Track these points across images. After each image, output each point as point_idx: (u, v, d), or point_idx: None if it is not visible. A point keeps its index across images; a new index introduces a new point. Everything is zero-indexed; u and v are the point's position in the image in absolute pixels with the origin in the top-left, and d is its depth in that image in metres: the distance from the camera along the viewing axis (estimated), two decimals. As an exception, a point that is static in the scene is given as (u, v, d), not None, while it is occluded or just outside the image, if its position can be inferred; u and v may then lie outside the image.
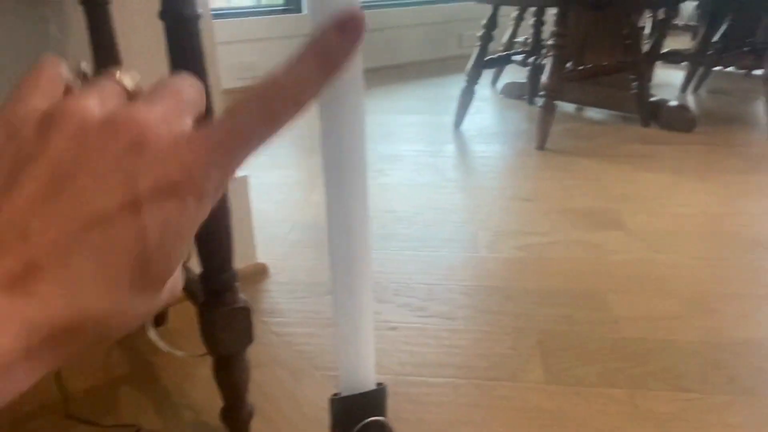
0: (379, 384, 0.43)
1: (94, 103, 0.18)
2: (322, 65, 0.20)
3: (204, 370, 0.92)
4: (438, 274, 1.22)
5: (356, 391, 0.42)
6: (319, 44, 0.20)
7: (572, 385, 0.89)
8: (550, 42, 1.96)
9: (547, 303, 1.10)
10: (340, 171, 0.37)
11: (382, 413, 0.43)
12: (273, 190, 1.69)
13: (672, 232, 1.38)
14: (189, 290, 0.77)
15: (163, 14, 0.58)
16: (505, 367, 0.93)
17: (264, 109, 0.20)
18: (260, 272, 1.23)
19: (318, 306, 1.11)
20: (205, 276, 0.70)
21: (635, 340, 0.99)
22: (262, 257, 1.26)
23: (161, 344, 0.77)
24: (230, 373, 0.73)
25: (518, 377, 0.91)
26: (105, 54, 0.85)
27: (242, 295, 0.72)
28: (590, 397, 0.86)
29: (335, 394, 0.42)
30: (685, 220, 1.44)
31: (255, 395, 0.86)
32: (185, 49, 0.58)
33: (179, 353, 0.78)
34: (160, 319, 1.04)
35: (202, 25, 0.61)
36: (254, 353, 0.97)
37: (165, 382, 0.90)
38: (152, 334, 0.75)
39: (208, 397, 0.87)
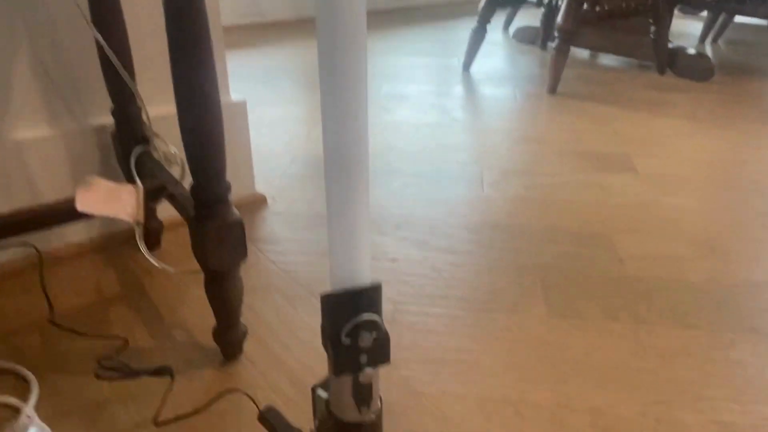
0: (373, 282, 0.40)
1: None
2: None
3: (197, 290, 0.90)
4: (440, 210, 1.18)
5: (349, 288, 0.39)
6: None
7: (574, 319, 0.86)
8: (567, -20, 1.87)
9: (551, 241, 1.08)
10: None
11: (376, 311, 0.40)
12: (275, 125, 1.64)
13: (684, 178, 1.34)
14: (180, 206, 0.74)
15: None
16: (506, 301, 0.91)
17: None
18: (258, 202, 1.20)
19: (316, 236, 1.09)
20: (196, 188, 0.67)
21: (640, 279, 0.96)
22: (261, 189, 1.23)
23: (153, 259, 0.74)
24: (223, 289, 0.71)
25: (519, 310, 0.88)
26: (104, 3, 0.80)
27: (235, 210, 0.69)
28: (592, 331, 0.84)
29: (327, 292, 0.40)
30: (698, 166, 1.40)
31: (250, 319, 0.84)
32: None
33: (171, 269, 0.75)
34: (153, 244, 1.02)
35: None
36: (249, 278, 0.95)
37: (157, 303, 0.89)
38: (143, 248, 0.73)
39: (200, 318, 0.85)
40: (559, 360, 0.79)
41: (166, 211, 1.00)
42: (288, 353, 0.79)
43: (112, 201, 0.73)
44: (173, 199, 0.77)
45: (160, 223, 1.02)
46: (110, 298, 0.90)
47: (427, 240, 1.08)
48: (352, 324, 0.39)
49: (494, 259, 1.02)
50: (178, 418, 0.66)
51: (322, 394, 0.46)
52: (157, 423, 0.63)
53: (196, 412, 0.67)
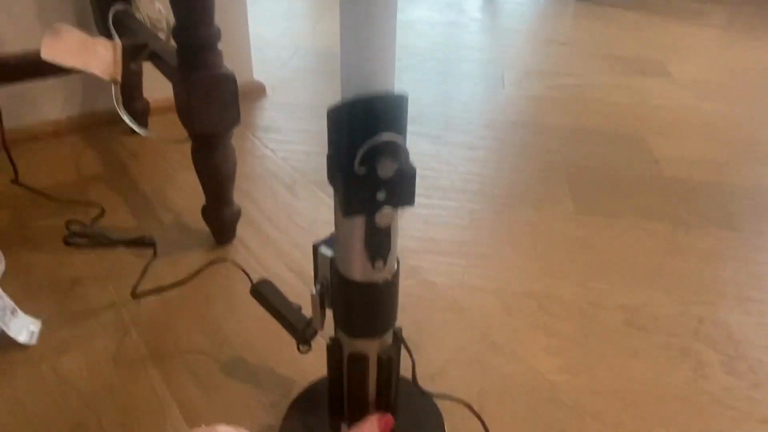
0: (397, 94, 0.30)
1: None
2: None
3: (187, 175, 0.81)
4: (456, 107, 1.08)
5: (365, 96, 0.29)
6: None
7: (604, 217, 0.78)
8: None
9: (580, 140, 0.97)
10: None
11: (399, 129, 0.31)
12: (278, 18, 1.51)
13: (721, 84, 1.22)
14: (163, 63, 0.64)
15: None
16: (530, 197, 0.82)
17: None
18: (257, 90, 1.09)
19: (318, 126, 0.99)
20: (178, 31, 0.56)
21: (678, 180, 0.87)
22: (261, 79, 1.11)
23: (134, 125, 0.64)
24: (212, 159, 0.62)
25: (544, 207, 0.80)
26: None
27: (226, 65, 0.59)
28: (625, 229, 0.76)
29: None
30: (734, 74, 1.28)
31: (245, 204, 0.76)
32: None
33: (149, 133, 0.66)
34: (139, 125, 0.92)
35: None
36: (247, 167, 0.86)
37: (142, 184, 0.80)
38: (120, 109, 0.63)
39: (190, 200, 0.76)
40: (589, 257, 0.70)
41: (152, 91, 0.90)
42: (285, 238, 0.71)
43: (85, 54, 0.63)
44: (156, 59, 0.67)
45: (147, 103, 0.92)
46: (90, 177, 0.81)
47: (443, 135, 0.98)
48: (368, 146, 0.30)
49: (516, 155, 0.92)
50: (159, 290, 0.57)
51: (326, 251, 0.37)
52: (135, 294, 0.55)
53: (180, 283, 0.59)
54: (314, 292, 0.39)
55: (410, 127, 1.01)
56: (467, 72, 1.23)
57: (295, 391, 0.50)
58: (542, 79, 1.21)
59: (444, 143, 0.95)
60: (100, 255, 0.65)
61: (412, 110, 1.03)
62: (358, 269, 0.35)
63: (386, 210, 0.32)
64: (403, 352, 0.41)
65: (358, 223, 0.33)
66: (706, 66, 1.32)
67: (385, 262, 0.34)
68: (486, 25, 1.52)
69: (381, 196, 0.31)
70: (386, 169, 0.30)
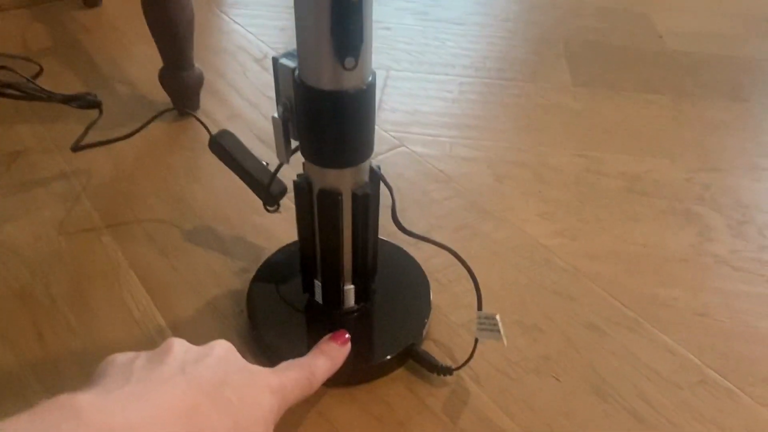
0: None
1: None
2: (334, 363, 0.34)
3: (144, 47, 0.73)
4: (445, -16, 0.98)
5: None
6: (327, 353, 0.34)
7: (604, 89, 0.72)
8: None
9: (577, 15, 0.90)
10: None
11: None
12: None
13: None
14: None
15: None
16: (524, 70, 0.75)
17: (307, 377, 0.32)
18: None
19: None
20: None
21: (683, 53, 0.80)
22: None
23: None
24: (164, 7, 0.54)
25: (539, 79, 0.73)
26: None
27: None
28: (626, 100, 0.70)
29: None
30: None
31: (213, 78, 0.69)
32: None
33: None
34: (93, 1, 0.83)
35: None
36: (213, 41, 0.78)
37: (95, 57, 0.72)
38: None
39: (147, 72, 0.69)
40: (587, 127, 0.65)
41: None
42: (255, 110, 0.64)
43: None
44: None
45: (100, -27, 0.82)
46: (39, 52, 0.72)
47: (429, 11, 0.90)
48: None
49: (509, 30, 0.85)
50: (102, 143, 0.50)
51: (287, 62, 0.31)
52: (75, 149, 0.49)
53: (127, 136, 0.52)
54: (276, 116, 0.33)
55: (395, 3, 0.92)
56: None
57: (266, 257, 0.45)
58: (538, -42, 1.11)
59: (432, 19, 0.87)
60: (42, 120, 0.58)
61: (395, -18, 0.94)
62: (325, 72, 0.29)
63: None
64: (383, 201, 0.36)
65: (323, 3, 0.26)
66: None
67: (356, 60, 0.28)
68: None
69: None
70: None
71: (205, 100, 0.64)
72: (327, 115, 0.30)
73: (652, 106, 0.69)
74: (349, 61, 0.28)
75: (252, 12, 0.86)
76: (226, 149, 0.43)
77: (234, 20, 0.83)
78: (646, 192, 0.55)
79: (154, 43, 0.58)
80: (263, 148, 0.58)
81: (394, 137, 0.62)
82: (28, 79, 0.56)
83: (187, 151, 0.57)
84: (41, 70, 0.62)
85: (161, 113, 0.52)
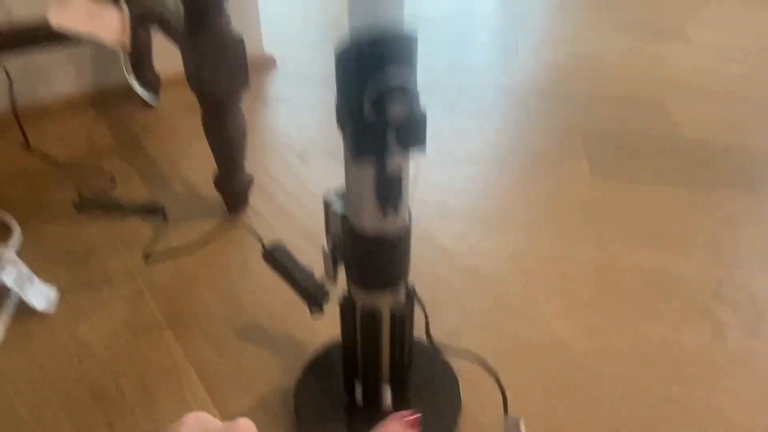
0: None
1: None
2: None
3: (198, 145, 0.81)
4: (470, 75, 1.06)
5: (374, 35, 0.29)
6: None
7: (622, 181, 0.76)
8: None
9: (596, 106, 0.95)
10: None
11: (410, 72, 0.30)
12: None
13: (741, 47, 1.19)
14: (170, 27, 0.63)
15: None
16: (545, 162, 0.80)
17: None
18: (267, 63, 1.08)
19: (328, 96, 0.97)
20: (187, -4, 0.55)
21: (698, 143, 0.85)
22: (271, 51, 1.10)
23: (143, 92, 0.64)
24: (222, 124, 0.61)
25: (559, 172, 0.78)
26: None
27: (234, 28, 0.58)
28: (643, 192, 0.74)
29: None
30: (755, 37, 1.24)
31: (258, 174, 0.75)
32: None
33: (154, 98, 0.65)
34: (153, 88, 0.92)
35: None
36: (258, 137, 0.85)
37: (154, 155, 0.80)
38: (129, 75, 0.62)
39: (202, 170, 0.76)
40: (605, 219, 0.69)
41: (163, 62, 0.90)
42: (298, 206, 0.71)
43: (92, 20, 0.62)
44: (163, 24, 0.66)
45: (157, 76, 0.92)
46: (101, 150, 0.81)
47: (455, 103, 0.97)
48: (377, 86, 0.29)
49: (531, 122, 0.91)
50: (172, 254, 0.57)
51: (336, 204, 0.37)
52: (147, 259, 0.55)
53: (193, 248, 0.58)
54: (326, 247, 0.38)
55: (422, 96, 0.99)
56: (481, 40, 1.21)
57: (310, 355, 0.50)
58: (558, 46, 1.18)
59: (458, 111, 0.94)
60: (112, 223, 0.66)
61: (424, 78, 1.01)
62: (369, 220, 0.34)
63: (396, 152, 0.31)
64: (417, 312, 0.41)
65: (368, 169, 0.32)
66: (725, 29, 1.28)
67: (396, 211, 0.34)
68: (499, -7, 1.49)
69: (391, 137, 0.31)
70: (396, 111, 0.30)
71: (253, 195, 0.71)
72: (371, 253, 0.35)
73: (667, 197, 0.73)
74: (390, 213, 0.33)
75: (293, 108, 0.94)
76: (278, 260, 0.49)
77: (277, 116, 0.91)
78: (662, 288, 0.59)
79: (207, 142, 0.65)
80: (306, 244, 0.64)
81: (423, 228, 0.67)
82: (105, 195, 0.64)
83: (238, 250, 0.63)
84: (113, 180, 0.70)
85: (223, 228, 0.58)
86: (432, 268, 0.61)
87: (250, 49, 1.09)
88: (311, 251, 0.63)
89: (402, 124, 0.30)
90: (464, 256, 0.63)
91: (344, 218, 0.36)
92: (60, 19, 0.60)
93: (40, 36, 0.64)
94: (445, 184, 0.75)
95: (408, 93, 0.30)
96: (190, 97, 0.60)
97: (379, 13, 0.28)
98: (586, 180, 0.76)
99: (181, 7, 0.58)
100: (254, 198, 0.71)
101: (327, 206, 0.37)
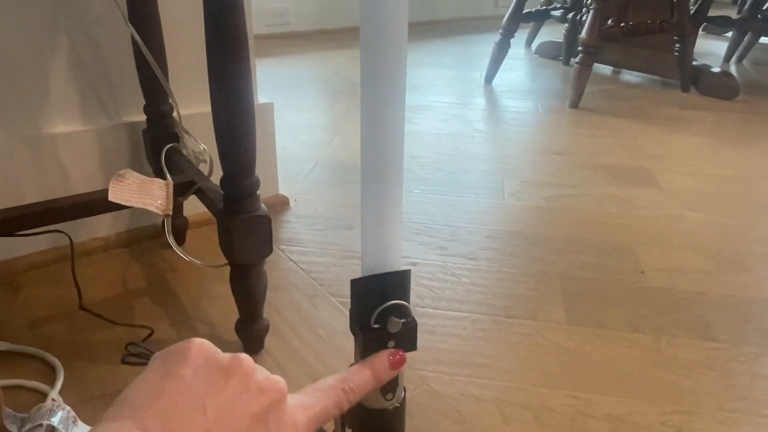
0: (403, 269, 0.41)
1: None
2: (375, 379, 0.39)
3: (220, 287, 0.92)
4: (461, 218, 1.19)
5: (379, 272, 0.40)
6: (374, 366, 0.39)
7: (594, 327, 0.86)
8: (592, -4, 1.88)
9: (572, 250, 1.07)
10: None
11: (405, 297, 0.41)
12: (298, 130, 1.66)
13: (707, 192, 1.33)
14: (209, 200, 0.76)
15: None
16: (526, 307, 0.91)
17: (336, 403, 0.37)
18: (281, 204, 1.21)
19: (337, 239, 1.10)
20: (226, 182, 0.68)
21: (662, 290, 0.96)
22: (284, 190, 1.24)
23: (181, 252, 0.76)
24: (247, 282, 0.72)
25: (539, 317, 0.88)
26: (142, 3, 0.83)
27: (263, 205, 0.70)
28: (612, 339, 0.84)
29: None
30: (721, 182, 1.39)
31: (271, 315, 0.85)
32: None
33: (198, 262, 0.77)
34: (179, 240, 1.04)
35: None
36: (272, 278, 0.96)
37: (182, 297, 0.90)
38: (172, 241, 0.74)
39: (224, 313, 0.86)
40: (579, 367, 0.78)
41: (189, 209, 1.02)
42: (308, 349, 0.80)
43: (144, 194, 0.75)
44: (202, 194, 0.79)
45: (185, 220, 1.04)
46: (136, 291, 0.91)
47: (448, 246, 1.08)
48: (381, 309, 0.40)
49: (514, 266, 1.02)
50: None
51: (346, 381, 0.46)
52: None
53: None
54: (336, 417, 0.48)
55: (419, 239, 1.12)
56: (471, 183, 1.35)
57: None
58: (539, 189, 1.32)
59: (450, 254, 1.06)
60: (146, 366, 0.75)
61: (420, 222, 1.14)
62: (372, 399, 0.44)
63: (395, 356, 0.41)
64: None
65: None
66: (693, 175, 1.43)
67: (394, 395, 0.43)
68: (488, 136, 1.67)
69: (391, 345, 0.41)
70: (395, 325, 0.40)
71: (268, 339, 0.80)
72: (373, 423, 0.45)
73: (634, 346, 0.83)
74: (389, 397, 0.43)
75: (304, 249, 1.06)
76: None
77: (289, 257, 1.03)
78: (627, 435, 0.67)
79: (228, 283, 0.75)
80: (314, 388, 0.73)
81: (419, 376, 0.76)
82: (145, 345, 0.74)
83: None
84: (152, 332, 0.80)
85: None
86: (425, 414, 0.70)
87: (267, 192, 1.22)
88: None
89: (399, 334, 0.41)
90: (454, 400, 0.72)
91: (353, 394, 0.46)
92: (117, 195, 0.72)
93: (97, 207, 0.76)
94: (437, 329, 0.85)
95: (404, 309, 0.41)
96: (213, 237, 0.71)
97: (385, 257, 0.39)
98: (562, 327, 0.86)
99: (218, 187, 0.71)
100: (269, 340, 0.81)
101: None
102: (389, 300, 0.40)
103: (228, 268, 0.73)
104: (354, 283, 0.40)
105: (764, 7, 2.50)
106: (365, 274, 0.40)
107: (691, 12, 2.22)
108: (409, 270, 0.41)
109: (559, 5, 2.44)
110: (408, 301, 0.41)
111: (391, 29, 0.37)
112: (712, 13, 2.48)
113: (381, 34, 0.37)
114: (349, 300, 0.41)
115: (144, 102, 0.93)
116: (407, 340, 0.42)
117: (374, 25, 0.36)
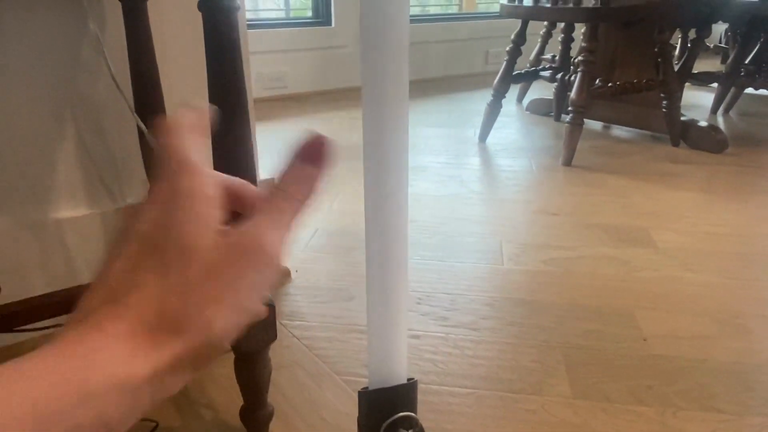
0: (409, 379, 0.42)
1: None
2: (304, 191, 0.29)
3: (224, 369, 0.91)
4: (461, 285, 1.20)
5: (386, 385, 0.41)
6: (295, 172, 0.29)
7: (599, 401, 0.86)
8: (579, 58, 1.95)
9: (573, 317, 1.08)
10: (381, 175, 0.36)
11: (412, 408, 0.42)
12: (297, 196, 1.69)
13: (703, 251, 1.35)
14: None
15: (202, 4, 0.58)
16: (530, 380, 0.91)
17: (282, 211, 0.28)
18: (283, 275, 1.22)
19: (339, 311, 1.10)
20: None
21: (665, 358, 0.96)
22: (285, 261, 1.25)
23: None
24: (252, 371, 0.72)
25: (543, 391, 0.88)
26: (140, 50, 0.86)
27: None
28: (618, 413, 0.83)
29: (364, 388, 0.41)
30: (716, 240, 1.41)
31: (274, 396, 0.85)
32: (223, 40, 0.58)
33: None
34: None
35: (239, 18, 0.61)
36: (275, 356, 0.96)
37: (188, 384, 0.90)
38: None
39: (228, 397, 0.86)
40: (586, 445, 0.78)
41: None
42: (313, 434, 0.79)
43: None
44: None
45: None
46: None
47: (449, 316, 1.09)
48: (390, 421, 0.41)
49: (516, 336, 1.02)
50: None
51: None
52: None
53: None
54: None
55: (420, 308, 1.12)
56: (469, 247, 1.37)
57: None
58: (537, 253, 1.34)
59: (452, 325, 1.06)
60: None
61: (421, 291, 1.15)
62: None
63: (405, 463, 0.42)
64: None
65: None
66: (688, 232, 1.45)
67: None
68: (484, 197, 1.70)
69: (399, 455, 0.41)
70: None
71: (273, 423, 0.80)
72: None
73: (640, 419, 0.82)
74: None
75: (306, 323, 1.06)
76: None
77: (292, 333, 1.03)
78: None
79: (231, 363, 0.75)
80: (320, 476, 0.72)
81: (426, 459, 0.75)
82: None
83: (259, 482, 0.71)
84: (157, 425, 0.80)
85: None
86: (433, 501, 0.69)
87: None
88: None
89: (408, 443, 0.41)
90: (462, 485, 0.71)
91: None
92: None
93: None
94: (442, 407, 0.85)
95: (412, 420, 0.41)
96: None
97: (392, 371, 0.40)
98: (568, 402, 0.86)
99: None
100: (273, 425, 0.80)
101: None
102: (397, 412, 0.41)
103: (231, 353, 0.74)
104: (361, 395, 0.41)
105: (746, 61, 2.58)
106: (373, 387, 0.41)
107: (676, 68, 2.30)
108: (416, 381, 0.42)
109: (547, 66, 2.52)
110: (415, 412, 0.42)
111: (393, 92, 0.36)
112: (699, 59, 2.56)
113: (383, 97, 0.36)
114: (352, 378, 0.42)
115: (149, 184, 0.95)
116: (416, 449, 0.42)
117: (376, 90, 0.35)
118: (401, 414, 0.41)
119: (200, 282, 0.25)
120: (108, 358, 0.23)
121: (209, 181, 0.26)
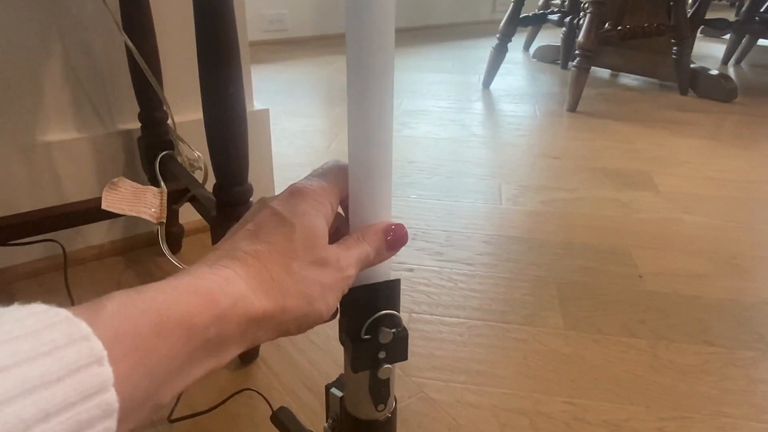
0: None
1: None
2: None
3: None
4: (458, 223, 1.19)
5: (369, 283, 0.40)
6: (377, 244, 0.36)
7: (591, 333, 0.86)
8: (588, 0, 1.88)
9: (569, 255, 1.07)
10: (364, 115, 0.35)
11: (395, 307, 0.41)
12: (295, 136, 1.66)
13: (704, 196, 1.33)
14: (202, 207, 0.75)
15: None
16: (523, 312, 0.90)
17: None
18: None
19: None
20: (219, 189, 0.68)
21: (659, 295, 0.95)
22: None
23: (174, 260, 0.75)
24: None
25: (536, 322, 0.88)
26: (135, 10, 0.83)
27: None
28: (609, 344, 0.83)
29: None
30: (719, 185, 1.39)
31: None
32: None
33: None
34: (174, 247, 1.03)
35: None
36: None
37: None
38: (165, 249, 0.74)
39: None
40: (575, 372, 0.78)
41: (185, 216, 1.02)
42: (302, 356, 0.79)
43: (137, 202, 0.75)
44: (196, 202, 0.79)
45: (182, 227, 1.04)
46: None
47: (444, 251, 1.08)
48: (372, 320, 0.40)
49: (511, 271, 1.02)
50: (192, 416, 0.66)
51: (336, 392, 0.46)
52: (171, 420, 0.63)
53: (211, 409, 0.68)
54: (326, 426, 0.47)
55: (415, 244, 1.11)
56: (467, 187, 1.35)
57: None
58: (536, 194, 1.32)
59: (446, 259, 1.05)
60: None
61: (417, 227, 1.14)
62: (364, 411, 0.43)
63: (386, 366, 0.41)
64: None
65: (364, 376, 0.42)
66: (691, 177, 1.43)
67: (385, 405, 0.43)
68: (485, 140, 1.67)
69: (381, 355, 0.41)
70: (386, 336, 0.40)
71: (262, 347, 0.80)
72: (364, 433, 0.44)
73: (631, 350, 0.82)
74: (380, 407, 0.42)
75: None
76: (284, 424, 0.57)
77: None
78: (624, 442, 0.67)
79: None
80: (310, 397, 0.72)
81: (415, 383, 0.75)
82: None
83: (249, 403, 0.72)
84: None
85: (238, 393, 0.67)
86: (422, 422, 0.69)
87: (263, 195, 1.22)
88: (314, 403, 0.71)
89: (390, 345, 0.40)
90: (449, 407, 0.71)
91: (342, 404, 0.45)
92: (110, 203, 0.72)
93: (90, 215, 0.76)
94: (433, 335, 0.85)
95: (395, 319, 0.40)
96: (208, 245, 0.71)
97: (375, 267, 0.39)
98: (559, 332, 0.86)
99: (210, 180, 0.71)
100: (263, 347, 0.80)
101: (328, 392, 0.47)
102: (379, 310, 0.40)
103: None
104: (344, 295, 0.40)
105: (762, 9, 2.50)
106: (355, 284, 0.40)
107: (689, 15, 2.22)
108: (399, 280, 0.41)
109: (556, 9, 2.44)
110: (398, 311, 0.41)
111: (378, 31, 0.36)
112: (709, 15, 2.48)
113: (367, 42, 0.36)
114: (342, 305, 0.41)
115: (138, 110, 0.92)
116: (398, 350, 0.41)
117: (362, 38, 0.35)
118: (383, 312, 0.40)
119: (312, 264, 0.31)
120: (235, 290, 0.27)
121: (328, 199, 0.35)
